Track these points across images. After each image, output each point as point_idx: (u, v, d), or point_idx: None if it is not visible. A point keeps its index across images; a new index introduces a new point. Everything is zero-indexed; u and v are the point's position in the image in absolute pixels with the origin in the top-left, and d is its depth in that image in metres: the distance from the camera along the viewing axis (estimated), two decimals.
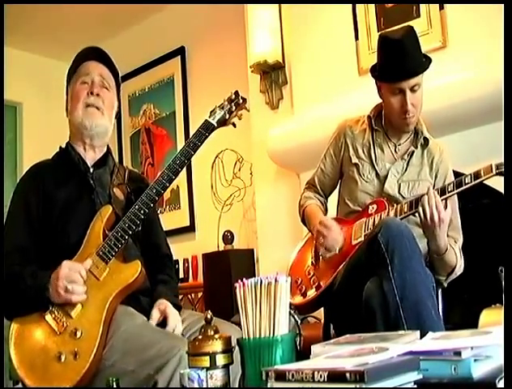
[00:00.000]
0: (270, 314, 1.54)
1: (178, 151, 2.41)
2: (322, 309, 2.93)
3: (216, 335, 1.60)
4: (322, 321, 3.05)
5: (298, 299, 2.79)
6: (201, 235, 5.83)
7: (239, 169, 5.50)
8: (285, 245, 4.48)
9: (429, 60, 2.76)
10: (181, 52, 6.33)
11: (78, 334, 2.12)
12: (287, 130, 4.60)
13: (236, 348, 1.59)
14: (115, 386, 1.62)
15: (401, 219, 2.57)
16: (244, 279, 1.58)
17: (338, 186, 3.08)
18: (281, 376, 1.27)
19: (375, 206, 2.75)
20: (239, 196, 5.50)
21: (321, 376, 1.20)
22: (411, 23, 3.75)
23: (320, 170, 3.07)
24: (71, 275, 2.14)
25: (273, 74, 4.92)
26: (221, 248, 5.27)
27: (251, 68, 4.94)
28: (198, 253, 5.49)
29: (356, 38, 4.31)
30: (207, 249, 5.24)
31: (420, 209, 2.53)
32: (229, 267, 4.93)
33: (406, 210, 2.61)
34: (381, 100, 2.87)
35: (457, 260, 2.67)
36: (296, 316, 2.91)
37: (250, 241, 5.31)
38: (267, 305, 1.55)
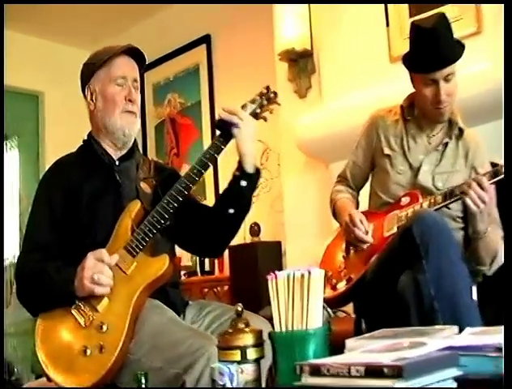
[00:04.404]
0: (303, 307, 1.53)
1: (208, 145, 2.40)
2: (352, 303, 2.93)
3: (247, 329, 1.60)
4: (353, 315, 3.05)
5: (328, 292, 2.79)
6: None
7: (266, 160, 5.47)
8: (313, 237, 4.50)
9: (463, 47, 2.73)
10: (206, 40, 6.32)
11: (105, 328, 2.12)
12: (315, 120, 4.57)
13: (267, 341, 1.58)
14: (144, 380, 1.61)
15: (435, 210, 2.55)
16: (276, 272, 1.58)
17: (370, 179, 3.07)
18: (316, 370, 1.26)
19: (408, 198, 2.74)
20: (266, 187, 5.45)
21: (357, 371, 1.19)
22: (443, 8, 3.72)
23: (351, 162, 3.08)
24: (97, 266, 2.15)
25: (301, 62, 4.88)
26: (248, 240, 5.26)
27: (279, 56, 4.91)
28: None
29: (387, 24, 4.27)
30: (234, 241, 5.14)
31: (470, 190, 2.50)
32: (256, 260, 4.94)
33: (440, 201, 2.59)
34: (414, 89, 2.84)
35: (500, 245, 2.63)
36: (329, 309, 2.92)
37: (277, 233, 5.28)
38: (300, 298, 1.54)
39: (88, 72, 2.50)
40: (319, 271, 1.57)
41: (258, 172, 2.42)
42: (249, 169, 2.38)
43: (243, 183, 2.38)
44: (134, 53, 2.51)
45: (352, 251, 2.83)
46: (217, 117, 2.39)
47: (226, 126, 2.36)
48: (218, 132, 2.40)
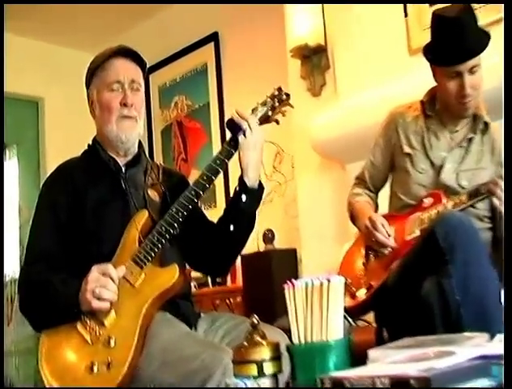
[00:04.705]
0: (323, 317, 1.53)
1: (217, 149, 2.41)
2: (373, 311, 2.92)
3: (264, 342, 1.57)
4: (374, 324, 3.04)
5: (348, 301, 2.77)
6: None
7: (279, 162, 5.50)
8: (330, 243, 4.49)
9: (488, 36, 2.70)
10: (214, 38, 6.32)
11: (112, 343, 2.10)
12: (331, 118, 4.56)
13: (284, 354, 1.57)
14: None
15: (460, 211, 2.54)
16: (293, 280, 1.57)
17: (389, 179, 3.07)
18: (338, 384, 1.25)
19: (431, 198, 2.72)
20: (279, 191, 5.48)
21: (382, 383, 1.17)
22: None
23: (369, 163, 3.07)
24: (101, 279, 2.13)
25: (314, 58, 4.88)
26: (261, 248, 5.26)
27: (291, 52, 4.91)
28: None
29: (406, 14, 4.24)
30: (246, 249, 5.07)
31: (497, 189, 2.48)
32: (270, 269, 4.91)
33: (465, 200, 2.57)
34: (435, 83, 2.82)
35: None
36: (350, 319, 2.90)
37: (292, 240, 5.26)
38: (319, 308, 1.53)
39: (88, 78, 2.53)
40: (339, 279, 1.57)
41: (260, 186, 2.43)
42: (250, 183, 2.39)
43: (243, 198, 2.38)
44: (130, 53, 2.50)
45: (372, 257, 2.82)
46: (229, 117, 2.39)
47: (235, 129, 2.36)
48: (228, 136, 2.41)
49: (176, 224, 2.28)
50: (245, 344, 1.58)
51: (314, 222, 4.87)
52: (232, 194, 2.46)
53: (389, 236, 2.71)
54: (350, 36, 4.59)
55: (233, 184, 5.76)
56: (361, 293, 2.76)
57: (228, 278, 5.65)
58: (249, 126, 2.34)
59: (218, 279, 5.64)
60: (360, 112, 4.26)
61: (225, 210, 2.49)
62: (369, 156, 3.07)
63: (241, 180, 2.40)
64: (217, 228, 2.50)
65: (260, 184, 2.43)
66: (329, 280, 1.54)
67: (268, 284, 4.72)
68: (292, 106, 2.54)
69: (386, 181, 3.08)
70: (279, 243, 5.31)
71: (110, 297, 2.14)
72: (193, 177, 2.42)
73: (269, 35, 5.59)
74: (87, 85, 2.54)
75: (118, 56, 2.48)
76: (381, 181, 3.08)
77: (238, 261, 5.28)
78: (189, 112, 6.62)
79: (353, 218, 3.04)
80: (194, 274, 5.51)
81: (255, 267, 5.00)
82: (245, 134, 2.35)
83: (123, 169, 2.48)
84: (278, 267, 4.94)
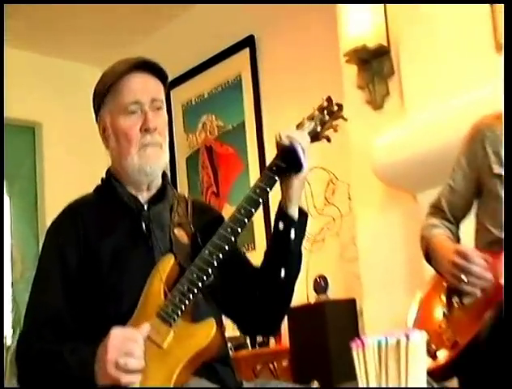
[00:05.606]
0: (401, 382, 1.51)
1: (258, 177, 2.40)
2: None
3: None
4: None
5: (427, 362, 2.67)
6: None
7: (332, 193, 5.49)
8: (399, 291, 4.49)
9: None
10: (249, 43, 6.36)
11: None
12: (397, 137, 4.56)
13: None
14: None
15: None
16: (362, 338, 1.55)
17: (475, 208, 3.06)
18: None
19: None
20: (333, 229, 5.49)
21: None
22: None
23: (448, 188, 3.08)
24: (125, 346, 2.10)
25: (375, 62, 4.87)
26: (312, 299, 5.30)
27: (345, 57, 4.90)
28: None
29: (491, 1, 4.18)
30: (293, 301, 5.08)
31: None
32: (324, 324, 4.90)
33: None
34: None
35: None
36: (434, 384, 2.87)
37: (351, 289, 5.26)
38: (397, 371, 1.52)
39: (97, 100, 2.53)
40: (420, 335, 1.55)
41: (303, 214, 2.42)
42: (296, 214, 2.39)
43: (292, 234, 2.38)
44: (148, 66, 2.49)
45: (456, 305, 2.80)
46: (284, 137, 2.33)
47: (292, 153, 2.32)
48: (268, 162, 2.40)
49: (209, 270, 2.25)
50: None
51: (378, 266, 4.83)
52: (272, 231, 2.45)
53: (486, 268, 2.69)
54: (419, 34, 4.55)
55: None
56: (444, 353, 2.72)
57: (271, 338, 5.64)
58: (301, 147, 2.31)
59: (259, 339, 5.65)
60: (434, 127, 4.26)
61: (270, 251, 2.47)
62: (447, 181, 3.07)
63: (285, 212, 2.39)
64: (263, 274, 2.49)
65: (301, 211, 2.41)
66: (408, 337, 1.52)
67: (322, 343, 4.76)
68: (345, 119, 2.51)
69: (469, 209, 3.07)
70: (333, 293, 5.33)
71: (139, 367, 2.11)
72: (227, 214, 2.42)
73: (317, 36, 5.64)
74: (97, 108, 2.53)
75: (134, 71, 2.46)
76: (464, 210, 3.07)
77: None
78: (221, 135, 6.67)
79: (429, 256, 3.01)
80: (229, 334, 5.48)
81: (305, 322, 4.99)
82: (296, 157, 2.31)
83: (145, 207, 2.48)
84: (333, 321, 4.93)
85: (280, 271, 2.40)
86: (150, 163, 2.42)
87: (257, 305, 2.48)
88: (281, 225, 2.38)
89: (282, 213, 2.39)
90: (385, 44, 4.78)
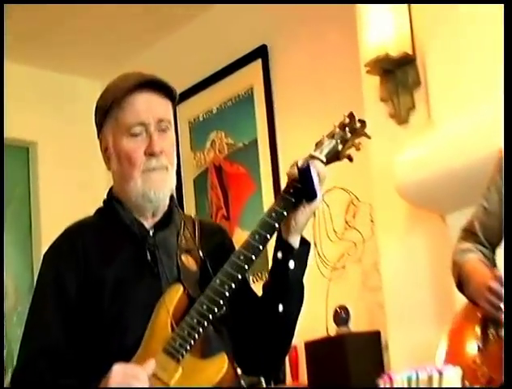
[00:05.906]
0: None
1: (272, 199, 2.39)
2: None
3: None
4: None
5: None
6: (301, 315, 5.67)
7: (353, 215, 5.46)
8: (426, 323, 4.51)
9: None
10: (262, 53, 6.36)
11: None
12: (423, 153, 4.57)
13: None
14: None
15: None
16: (390, 373, 1.56)
17: None
18: None
19: None
20: (355, 255, 5.44)
21: None
22: None
23: (482, 210, 3.09)
24: (127, 384, 2.09)
25: (399, 72, 4.86)
26: (332, 332, 5.26)
27: (366, 67, 4.90)
28: (297, 341, 5.26)
29: None
30: (311, 334, 5.17)
31: None
32: (346, 360, 4.89)
33: None
34: None
35: None
36: None
37: (374, 320, 5.25)
38: None
39: (99, 117, 2.53)
40: (455, 371, 1.55)
41: (305, 243, 2.44)
42: (296, 244, 2.40)
43: (291, 265, 2.38)
44: (156, 85, 2.48)
45: (491, 337, 2.80)
46: (301, 162, 2.33)
47: (308, 176, 2.31)
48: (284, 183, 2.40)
49: (221, 301, 2.26)
50: None
51: (403, 295, 4.80)
52: (271, 261, 2.45)
53: None
54: (447, 41, 4.56)
55: None
56: None
57: (288, 373, 5.64)
58: (317, 173, 2.33)
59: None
60: (463, 142, 4.24)
61: (268, 285, 2.48)
62: (480, 201, 3.08)
63: (284, 241, 2.39)
64: (261, 308, 2.49)
65: (303, 240, 2.42)
66: (440, 373, 1.52)
67: (343, 380, 4.75)
68: (368, 137, 2.51)
69: None
70: (355, 325, 5.28)
71: None
72: (238, 239, 2.43)
73: (335, 45, 5.65)
74: (99, 125, 2.53)
75: (138, 88, 2.45)
76: (500, 234, 3.00)
77: (301, 350, 5.23)
78: (231, 153, 6.67)
79: (462, 283, 3.01)
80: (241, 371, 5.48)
81: (324, 357, 5.02)
82: (311, 182, 2.31)
83: (151, 233, 2.47)
84: (356, 356, 4.93)
85: (278, 306, 2.40)
86: (154, 188, 2.43)
87: (253, 341, 2.48)
88: (280, 255, 2.38)
89: (281, 241, 2.38)
90: (410, 52, 4.77)
